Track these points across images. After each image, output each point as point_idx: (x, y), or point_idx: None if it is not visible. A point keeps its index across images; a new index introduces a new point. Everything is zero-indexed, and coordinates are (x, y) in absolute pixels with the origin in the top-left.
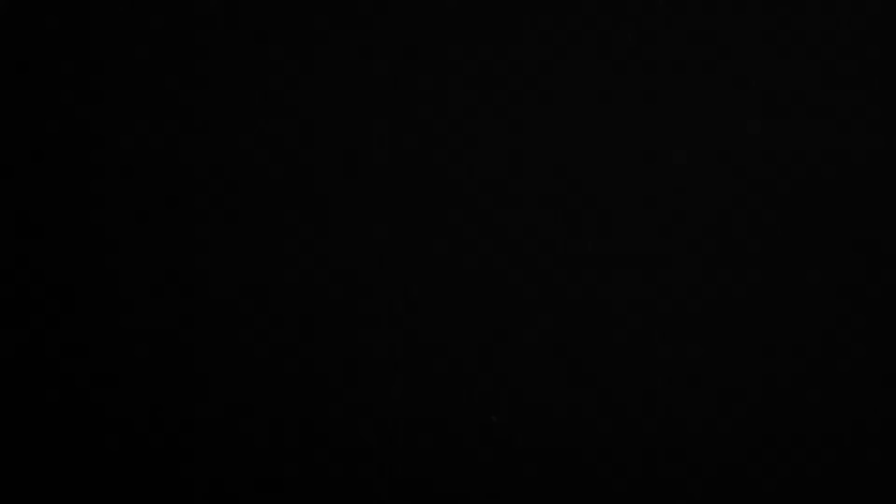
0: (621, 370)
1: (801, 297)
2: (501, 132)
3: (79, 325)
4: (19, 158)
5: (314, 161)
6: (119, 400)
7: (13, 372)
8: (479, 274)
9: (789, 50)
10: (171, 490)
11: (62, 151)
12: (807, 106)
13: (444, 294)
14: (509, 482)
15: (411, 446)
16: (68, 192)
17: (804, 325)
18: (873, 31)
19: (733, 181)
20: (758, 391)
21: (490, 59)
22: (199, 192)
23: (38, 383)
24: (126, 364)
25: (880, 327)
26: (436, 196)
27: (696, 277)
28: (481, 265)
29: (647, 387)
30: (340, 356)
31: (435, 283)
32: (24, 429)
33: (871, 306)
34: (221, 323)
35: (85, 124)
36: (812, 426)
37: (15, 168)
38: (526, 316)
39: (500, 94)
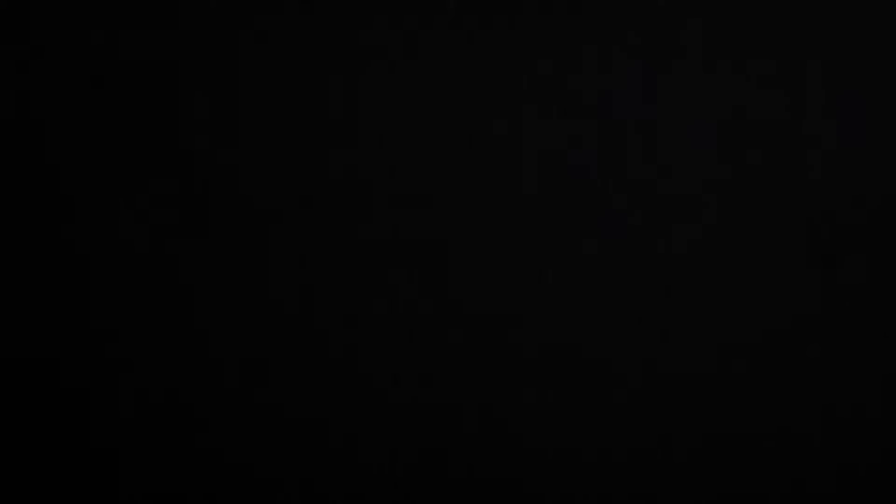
0: (622, 371)
1: (801, 297)
2: (500, 132)
3: (71, 325)
4: (15, 158)
5: (310, 162)
6: (110, 400)
7: (11, 374)
8: (479, 274)
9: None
10: (169, 491)
11: (59, 150)
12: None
13: (442, 294)
14: (510, 483)
15: (410, 447)
16: (63, 191)
17: (804, 325)
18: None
19: (733, 176)
20: (761, 392)
21: (482, 62)
22: (197, 191)
23: (33, 385)
24: (120, 364)
25: (882, 326)
26: (433, 196)
27: (698, 277)
28: (481, 266)
29: (650, 388)
30: (339, 357)
31: (433, 283)
32: (20, 431)
33: (874, 306)
34: (219, 323)
35: (83, 122)
36: (812, 427)
37: (10, 168)
38: (526, 316)
39: (499, 93)
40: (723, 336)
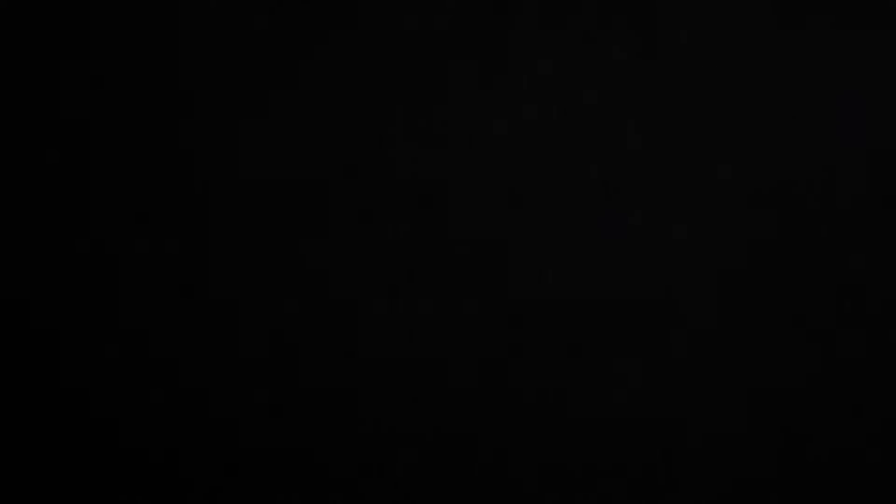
0: (622, 371)
1: (800, 298)
2: (500, 132)
3: (78, 326)
4: (18, 159)
5: (314, 163)
6: (114, 402)
7: (11, 375)
8: (479, 274)
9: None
10: (167, 494)
11: (61, 150)
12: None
13: (442, 294)
14: (509, 483)
15: (409, 448)
16: (67, 193)
17: (804, 325)
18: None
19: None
20: (761, 392)
21: (481, 62)
22: (200, 193)
23: (36, 386)
24: (122, 366)
25: (882, 326)
26: (433, 196)
27: (698, 277)
28: (481, 266)
29: (650, 388)
30: (338, 356)
31: (433, 283)
32: (21, 432)
33: (874, 306)
34: (219, 324)
35: (84, 123)
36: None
37: (13, 168)
38: (526, 316)
39: (502, 93)
40: (722, 336)
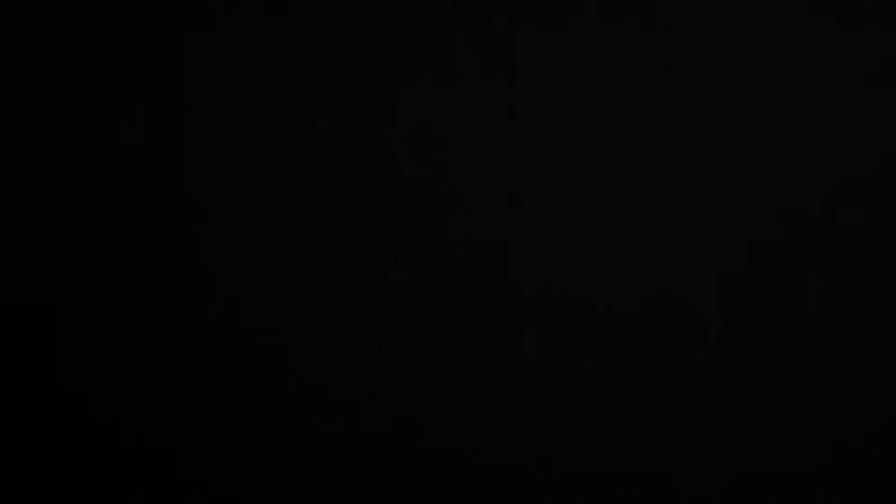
0: (623, 371)
1: (803, 296)
2: (503, 132)
3: (76, 328)
4: (18, 160)
5: (314, 164)
6: (115, 402)
7: (11, 375)
8: (479, 274)
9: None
10: (166, 495)
11: (61, 154)
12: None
13: (441, 294)
14: (510, 469)
15: (408, 449)
16: (67, 195)
17: (804, 324)
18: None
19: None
20: (761, 392)
21: (479, 62)
22: (199, 193)
23: (36, 387)
24: (124, 367)
25: (882, 326)
26: (431, 196)
27: (699, 277)
28: (481, 266)
29: (650, 389)
30: (338, 351)
31: (432, 283)
32: (21, 433)
33: (873, 305)
34: (218, 327)
35: (85, 128)
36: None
37: (14, 170)
38: (526, 316)
39: (503, 93)
40: (723, 336)
